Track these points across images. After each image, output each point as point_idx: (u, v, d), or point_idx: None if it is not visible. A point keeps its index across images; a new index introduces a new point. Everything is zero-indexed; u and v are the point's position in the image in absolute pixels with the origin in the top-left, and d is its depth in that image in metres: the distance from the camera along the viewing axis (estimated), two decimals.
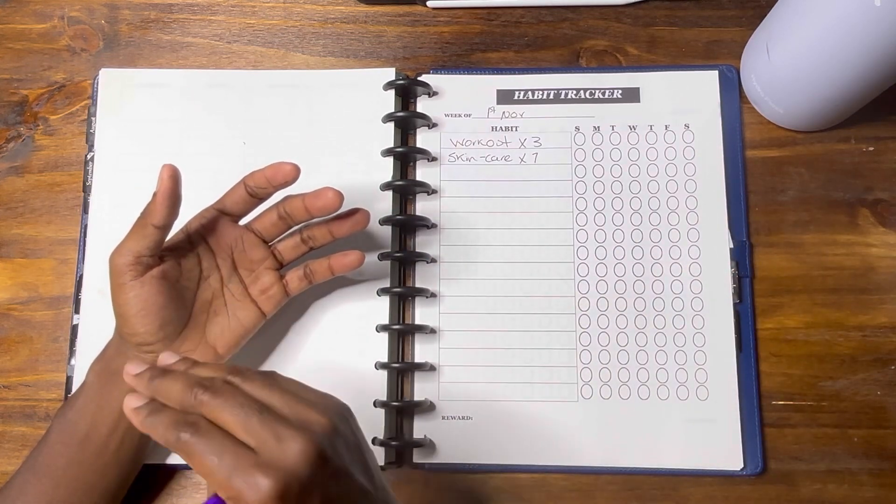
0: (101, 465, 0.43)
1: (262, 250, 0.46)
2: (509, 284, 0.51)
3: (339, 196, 0.44)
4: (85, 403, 0.44)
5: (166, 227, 0.42)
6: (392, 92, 0.53)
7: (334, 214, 0.45)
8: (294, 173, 0.43)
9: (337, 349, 0.50)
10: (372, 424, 0.48)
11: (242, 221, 0.46)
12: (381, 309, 0.50)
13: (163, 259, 0.43)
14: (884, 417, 0.49)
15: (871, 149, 0.52)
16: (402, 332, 0.51)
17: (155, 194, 0.41)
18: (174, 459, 0.49)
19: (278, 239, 0.47)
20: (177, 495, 0.49)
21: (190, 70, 0.55)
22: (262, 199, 0.45)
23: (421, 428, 0.49)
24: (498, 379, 0.49)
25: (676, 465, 0.48)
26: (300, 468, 0.31)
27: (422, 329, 0.50)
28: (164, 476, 0.49)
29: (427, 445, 0.48)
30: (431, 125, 0.53)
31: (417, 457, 0.49)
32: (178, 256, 0.44)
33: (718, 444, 0.48)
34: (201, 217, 0.45)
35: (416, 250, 0.51)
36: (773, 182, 0.52)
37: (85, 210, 0.53)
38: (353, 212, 0.46)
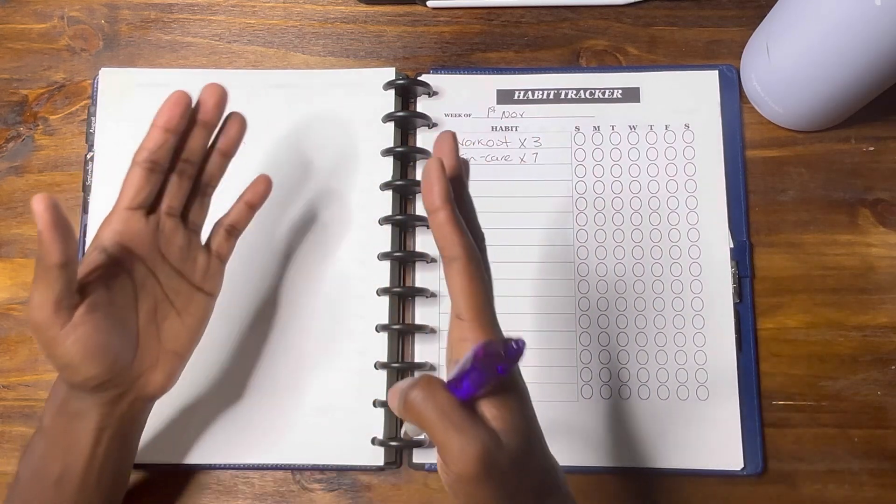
0: (85, 498, 0.41)
1: (183, 231, 0.41)
2: (509, 284, 0.51)
3: (220, 87, 0.41)
4: (49, 449, 0.40)
5: (70, 261, 0.35)
6: (392, 92, 0.53)
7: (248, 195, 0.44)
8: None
9: (337, 349, 0.50)
10: (372, 424, 0.48)
11: None
12: (381, 309, 0.50)
13: (85, 291, 0.37)
14: (884, 417, 0.49)
15: (871, 149, 0.52)
16: (401, 332, 0.51)
17: (39, 232, 0.34)
18: (175, 460, 0.49)
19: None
20: (177, 495, 0.49)
21: (190, 70, 0.55)
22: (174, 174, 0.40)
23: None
24: None
25: (676, 465, 0.48)
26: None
27: (422, 329, 0.50)
28: (164, 476, 0.49)
29: (427, 445, 0.48)
30: (431, 125, 0.53)
31: (417, 457, 0.49)
32: (101, 279, 0.38)
33: (718, 444, 0.48)
34: (109, 224, 0.39)
35: (416, 250, 0.51)
36: (773, 182, 0.52)
37: (85, 210, 0.53)
38: (258, 179, 0.45)
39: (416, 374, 0.49)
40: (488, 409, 0.31)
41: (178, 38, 0.56)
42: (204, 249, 0.43)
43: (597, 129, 0.53)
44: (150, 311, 0.41)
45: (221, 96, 0.41)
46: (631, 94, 0.53)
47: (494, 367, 0.29)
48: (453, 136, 0.34)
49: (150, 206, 0.40)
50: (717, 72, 0.53)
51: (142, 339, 0.40)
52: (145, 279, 0.40)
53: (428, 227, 0.51)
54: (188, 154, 0.41)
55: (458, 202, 0.33)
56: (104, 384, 0.39)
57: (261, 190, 0.45)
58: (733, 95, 0.53)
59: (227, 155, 0.43)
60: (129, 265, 0.40)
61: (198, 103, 0.40)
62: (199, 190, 0.42)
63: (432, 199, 0.32)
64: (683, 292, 0.50)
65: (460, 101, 0.53)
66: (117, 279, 0.39)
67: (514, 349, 0.29)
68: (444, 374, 0.49)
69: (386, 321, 0.50)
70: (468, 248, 0.32)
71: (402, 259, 0.51)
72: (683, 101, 0.53)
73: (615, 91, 0.53)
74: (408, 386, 0.31)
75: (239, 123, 0.43)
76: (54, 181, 0.54)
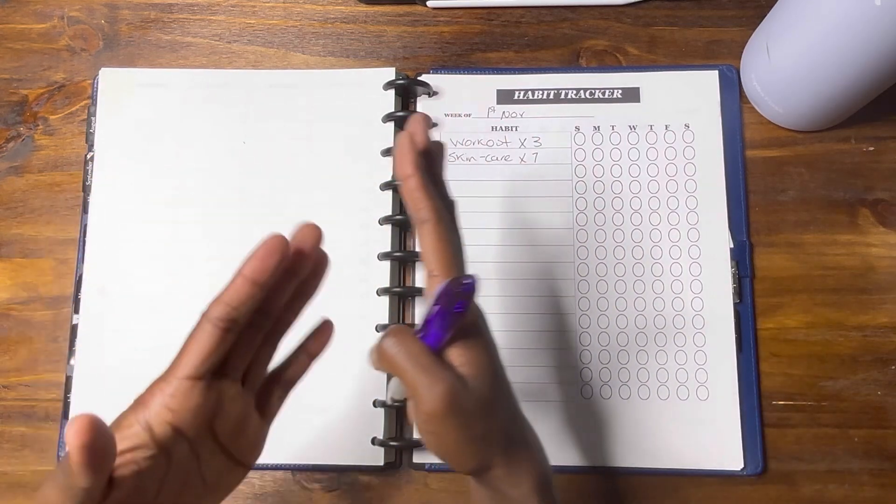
0: None
1: (242, 399, 0.34)
2: (509, 284, 0.51)
3: (284, 239, 0.33)
4: None
5: (99, 483, 0.28)
6: (392, 92, 0.53)
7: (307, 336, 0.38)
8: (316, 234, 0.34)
9: (337, 348, 0.50)
10: (372, 424, 0.48)
11: None
12: (381, 309, 0.50)
13: (112, 483, 0.29)
14: (884, 417, 0.49)
15: (871, 149, 0.52)
16: None
17: (67, 455, 0.27)
18: None
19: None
20: None
21: (190, 70, 0.55)
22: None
23: None
24: None
25: (676, 465, 0.48)
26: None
27: None
28: None
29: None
30: (431, 125, 0.53)
31: (417, 457, 0.49)
32: (136, 472, 0.30)
33: (719, 444, 0.48)
34: (163, 394, 0.32)
35: (417, 250, 0.51)
36: (773, 182, 0.52)
37: (85, 210, 0.53)
38: (322, 326, 0.39)
39: None
40: (455, 357, 0.33)
41: (178, 38, 0.56)
42: (256, 416, 0.35)
43: (597, 129, 0.53)
44: (174, 487, 0.33)
45: (318, 238, 0.34)
46: (631, 94, 0.53)
47: (453, 305, 0.32)
48: (424, 116, 0.36)
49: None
50: (717, 72, 0.53)
51: None
52: (185, 461, 0.32)
53: None
54: (270, 306, 0.34)
55: (430, 174, 0.35)
56: None
57: (325, 339, 0.39)
58: (733, 95, 0.53)
59: (312, 356, 0.38)
60: (172, 447, 0.32)
61: (254, 256, 0.33)
62: (283, 389, 0.37)
63: (403, 167, 0.34)
64: (683, 292, 0.50)
65: (460, 101, 0.53)
66: (153, 462, 0.31)
67: (468, 285, 0.32)
68: None
69: (386, 321, 0.50)
70: (437, 210, 0.34)
71: (403, 259, 0.51)
72: (683, 101, 0.53)
73: (615, 91, 0.53)
74: (381, 336, 0.34)
75: (332, 330, 0.39)
76: (54, 181, 0.54)
